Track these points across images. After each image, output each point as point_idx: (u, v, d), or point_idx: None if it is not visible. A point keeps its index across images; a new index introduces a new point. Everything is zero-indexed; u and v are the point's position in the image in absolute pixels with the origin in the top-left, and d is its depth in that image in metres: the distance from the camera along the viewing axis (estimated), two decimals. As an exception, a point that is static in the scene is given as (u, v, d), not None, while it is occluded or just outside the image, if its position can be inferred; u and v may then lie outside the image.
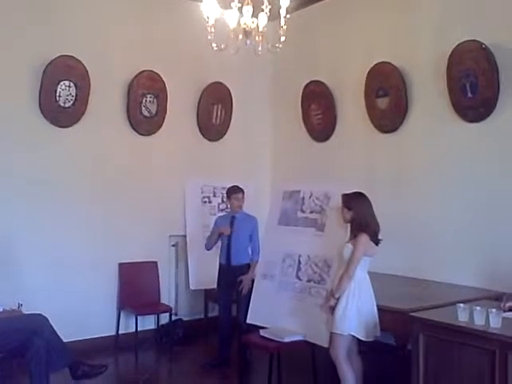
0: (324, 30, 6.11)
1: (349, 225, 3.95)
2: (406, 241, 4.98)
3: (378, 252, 3.83)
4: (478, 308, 3.03)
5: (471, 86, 4.59)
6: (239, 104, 6.52)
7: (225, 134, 6.50)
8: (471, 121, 4.66)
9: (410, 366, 3.36)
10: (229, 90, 6.43)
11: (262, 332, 4.38)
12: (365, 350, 3.90)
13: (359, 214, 3.81)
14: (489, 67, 4.45)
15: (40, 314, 4.03)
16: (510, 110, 4.41)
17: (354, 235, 3.81)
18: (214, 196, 6.43)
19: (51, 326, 3.99)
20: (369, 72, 5.44)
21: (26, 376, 3.88)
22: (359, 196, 3.89)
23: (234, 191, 5.21)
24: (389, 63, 5.26)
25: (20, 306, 4.18)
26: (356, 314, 3.69)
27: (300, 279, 4.49)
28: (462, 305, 3.15)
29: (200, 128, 6.33)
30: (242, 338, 4.66)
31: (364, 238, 3.72)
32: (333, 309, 3.81)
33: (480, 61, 4.50)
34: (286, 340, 4.20)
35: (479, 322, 3.01)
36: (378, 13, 5.51)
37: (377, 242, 3.79)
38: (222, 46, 3.98)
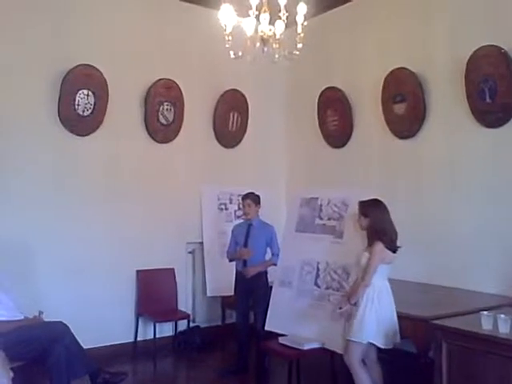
0: (340, 36, 6.11)
1: (365, 232, 3.93)
2: (425, 247, 4.94)
3: (395, 259, 3.79)
4: (503, 316, 3.00)
5: (490, 90, 4.56)
6: (255, 111, 6.53)
7: (241, 140, 6.52)
8: (490, 126, 4.63)
9: (431, 373, 3.34)
10: (245, 97, 6.45)
11: (280, 339, 4.37)
12: (384, 357, 3.87)
13: (376, 222, 3.79)
14: (508, 72, 4.42)
15: (61, 322, 4.07)
16: (530, 115, 4.38)
17: (370, 243, 3.78)
18: (231, 203, 6.44)
19: (72, 334, 4.02)
20: (385, 78, 5.43)
21: (47, 383, 3.90)
22: (376, 203, 3.87)
23: (241, 198, 5.23)
24: (406, 69, 5.24)
25: (41, 313, 4.20)
26: (375, 321, 3.66)
27: (319, 286, 4.49)
28: (485, 312, 3.12)
29: (216, 135, 6.36)
30: (261, 345, 4.65)
31: (379, 247, 3.69)
32: (348, 314, 3.79)
33: (499, 66, 4.47)
34: (306, 347, 4.19)
35: (504, 330, 2.98)
36: (394, 18, 5.50)
37: (394, 249, 3.76)
38: (240, 54, 3.99)
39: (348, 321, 3.85)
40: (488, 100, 4.58)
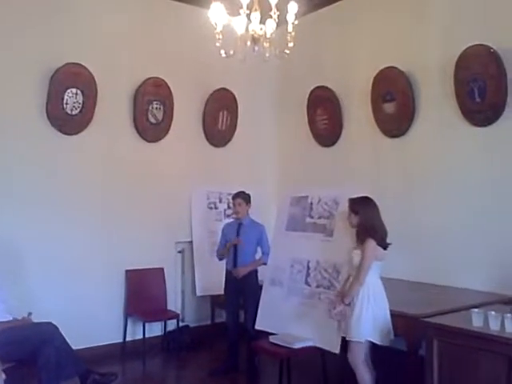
0: (330, 35, 6.11)
1: (355, 230, 3.94)
2: (414, 245, 4.96)
3: (386, 256, 3.81)
4: (493, 313, 3.02)
5: (479, 90, 4.59)
6: (245, 110, 6.53)
7: (230, 139, 6.51)
8: (479, 125, 4.66)
9: (422, 371, 3.35)
10: (234, 96, 6.44)
11: (271, 338, 4.36)
12: (375, 355, 3.88)
13: (366, 219, 3.79)
14: (497, 71, 4.45)
15: (50, 323, 4.03)
16: (518, 114, 4.42)
17: (361, 240, 3.79)
18: (220, 202, 6.43)
19: (61, 335, 3.99)
20: (375, 77, 5.44)
21: (36, 384, 3.86)
22: (366, 200, 3.87)
23: (232, 197, 5.23)
24: (395, 68, 5.26)
25: (30, 314, 4.16)
26: (371, 319, 3.67)
27: (309, 285, 4.48)
28: (476, 310, 3.14)
29: (206, 134, 6.34)
30: (252, 344, 4.64)
31: (372, 244, 3.70)
32: (343, 315, 3.79)
33: (488, 65, 4.49)
34: (296, 346, 4.19)
35: (494, 326, 3.00)
36: (384, 18, 5.52)
37: (385, 246, 3.76)
38: (231, 52, 3.98)
39: (343, 321, 3.85)
40: (477, 99, 4.61)
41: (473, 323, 3.10)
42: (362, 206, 3.85)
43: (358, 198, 3.90)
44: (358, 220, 3.84)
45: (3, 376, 3.18)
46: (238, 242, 5.05)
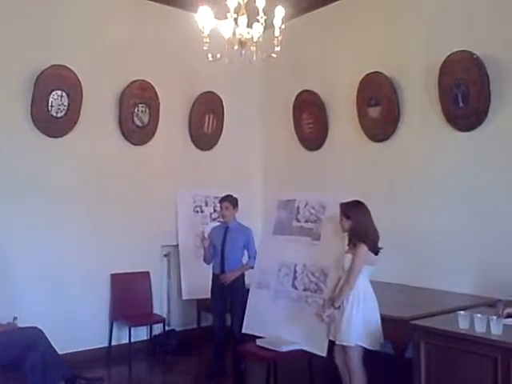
0: (316, 39, 6.16)
1: (346, 234, 3.96)
2: (400, 249, 4.97)
3: (377, 261, 3.83)
4: (479, 315, 3.06)
5: (462, 95, 4.66)
6: (231, 113, 6.53)
7: (216, 143, 6.51)
8: (463, 130, 4.73)
9: (409, 374, 3.38)
10: (221, 100, 6.44)
11: (258, 341, 4.37)
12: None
13: (358, 223, 3.81)
14: (480, 77, 4.52)
15: (36, 327, 3.99)
16: (501, 119, 4.49)
17: (353, 244, 3.81)
18: (206, 205, 6.42)
19: (47, 339, 3.96)
20: (360, 82, 5.49)
21: (21, 390, 3.82)
22: (358, 205, 3.89)
23: (219, 200, 5.23)
24: (380, 73, 5.32)
25: (15, 319, 4.11)
26: (362, 323, 3.69)
27: (296, 288, 4.50)
28: (462, 312, 3.17)
29: (192, 137, 6.33)
30: (239, 348, 4.64)
31: (363, 249, 3.72)
32: (332, 318, 3.81)
33: (471, 71, 4.57)
34: (284, 349, 4.20)
35: (480, 329, 3.04)
36: (369, 23, 5.58)
37: (376, 251, 3.79)
38: (218, 56, 3.98)
39: (331, 323, 3.86)
40: (461, 104, 4.68)
41: (459, 325, 3.13)
42: (354, 211, 3.86)
43: (350, 203, 3.91)
44: (351, 224, 3.84)
45: None
46: (205, 243, 5.09)
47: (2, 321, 4.09)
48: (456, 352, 3.10)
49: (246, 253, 5.19)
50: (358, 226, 3.80)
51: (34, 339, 3.84)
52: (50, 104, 5.18)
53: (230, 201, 5.13)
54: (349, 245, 3.89)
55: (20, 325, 4.14)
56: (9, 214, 4.98)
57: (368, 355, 3.81)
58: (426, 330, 3.26)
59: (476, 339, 3.00)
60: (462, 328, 3.12)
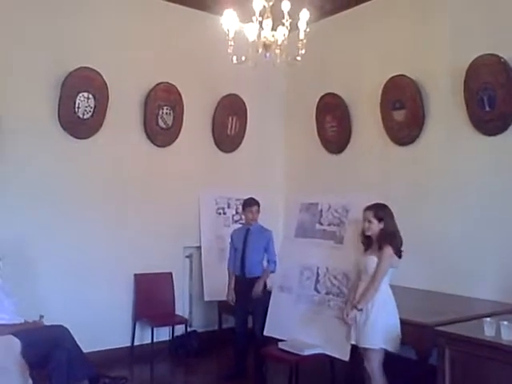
0: (339, 42, 6.14)
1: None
2: (423, 254, 4.94)
3: (399, 264, 3.82)
4: (506, 323, 3.02)
5: (489, 99, 4.61)
6: (254, 116, 6.55)
7: (239, 145, 6.53)
8: (488, 134, 4.68)
9: (435, 380, 3.35)
10: (244, 102, 6.47)
11: (280, 345, 4.37)
12: (384, 365, 3.87)
13: (389, 226, 3.80)
14: (507, 81, 4.47)
15: (61, 326, 4.04)
16: (528, 123, 4.43)
17: (378, 246, 3.79)
18: (229, 207, 6.44)
19: (72, 338, 4.00)
20: (385, 84, 5.46)
21: (47, 387, 3.88)
22: (386, 207, 3.89)
23: (248, 204, 5.22)
24: (405, 76, 5.28)
25: (41, 317, 4.18)
26: (385, 326, 3.67)
27: (318, 292, 4.49)
28: (488, 319, 3.14)
29: (215, 139, 6.37)
30: (261, 351, 4.64)
31: (390, 251, 3.71)
32: (354, 320, 3.80)
33: (498, 74, 4.52)
34: (306, 353, 4.19)
35: (506, 336, 3.00)
36: (394, 25, 5.55)
37: (400, 254, 3.78)
38: (243, 59, 4.00)
39: (352, 327, 3.85)
40: (487, 108, 4.63)
41: (485, 333, 3.11)
42: (386, 213, 3.85)
43: (380, 205, 3.89)
44: (383, 226, 3.82)
45: (30, 381, 3.21)
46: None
47: (28, 319, 4.15)
48: (481, 359, 3.07)
49: (265, 256, 5.19)
50: (388, 228, 3.80)
51: (59, 337, 3.89)
52: (76, 105, 5.25)
53: (259, 204, 5.17)
54: (366, 249, 3.87)
55: (46, 323, 4.19)
56: (35, 214, 5.05)
57: (390, 360, 3.79)
58: (451, 337, 3.23)
59: (502, 347, 2.97)
60: (488, 335, 3.09)
